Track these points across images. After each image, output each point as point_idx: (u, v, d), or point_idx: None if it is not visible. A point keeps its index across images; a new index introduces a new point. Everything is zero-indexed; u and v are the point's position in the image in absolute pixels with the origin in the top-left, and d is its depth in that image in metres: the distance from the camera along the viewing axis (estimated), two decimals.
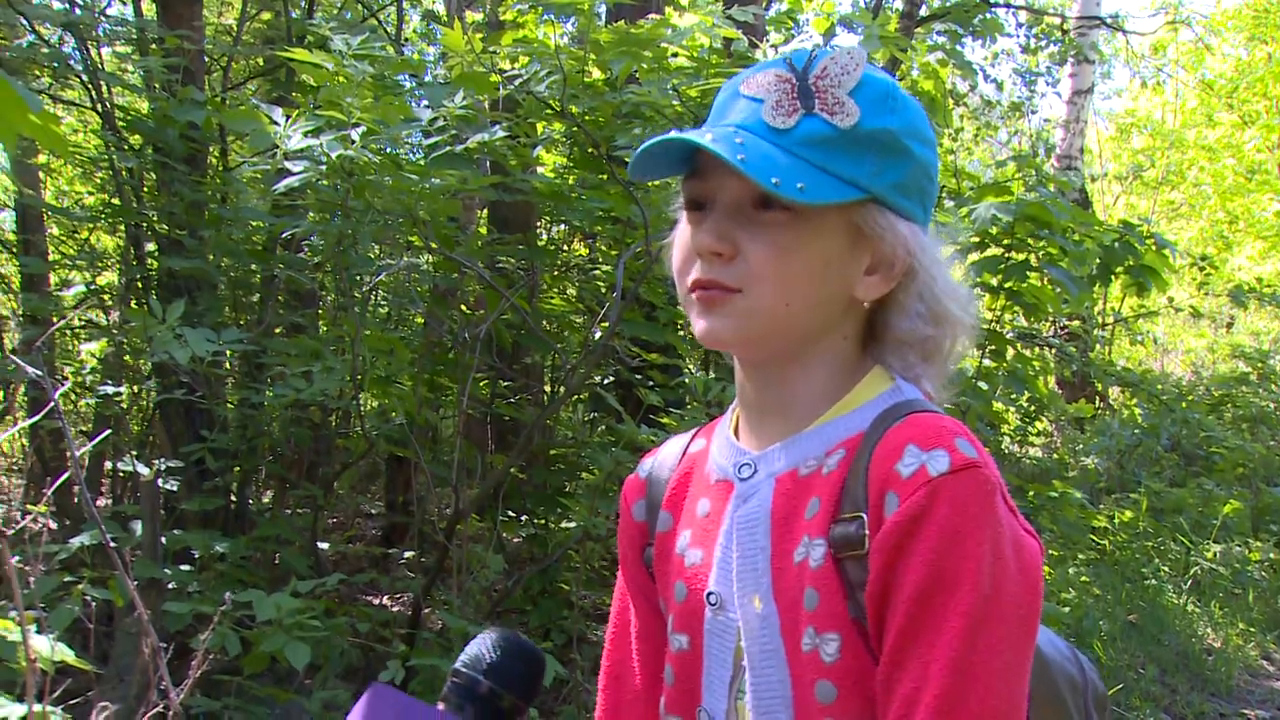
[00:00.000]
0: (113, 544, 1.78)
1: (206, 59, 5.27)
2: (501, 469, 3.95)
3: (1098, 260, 4.78)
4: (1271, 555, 6.71)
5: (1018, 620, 0.97)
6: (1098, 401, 10.13)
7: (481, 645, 1.14)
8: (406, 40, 8.21)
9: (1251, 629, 5.67)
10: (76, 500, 4.52)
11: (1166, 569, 6.25)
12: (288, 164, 3.06)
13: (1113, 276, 4.99)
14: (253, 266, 4.58)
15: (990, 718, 0.95)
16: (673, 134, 1.05)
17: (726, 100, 1.10)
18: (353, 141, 3.05)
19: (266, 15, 6.79)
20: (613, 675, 1.29)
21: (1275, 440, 9.32)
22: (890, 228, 1.06)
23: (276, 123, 3.10)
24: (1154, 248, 4.91)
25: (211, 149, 4.81)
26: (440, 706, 1.16)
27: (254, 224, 4.51)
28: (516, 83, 3.43)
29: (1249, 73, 15.82)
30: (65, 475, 2.13)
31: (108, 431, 4.02)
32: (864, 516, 1.01)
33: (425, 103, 3.62)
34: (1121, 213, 16.04)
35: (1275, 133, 14.94)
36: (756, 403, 1.15)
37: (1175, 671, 4.96)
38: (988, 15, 6.53)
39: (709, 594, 1.14)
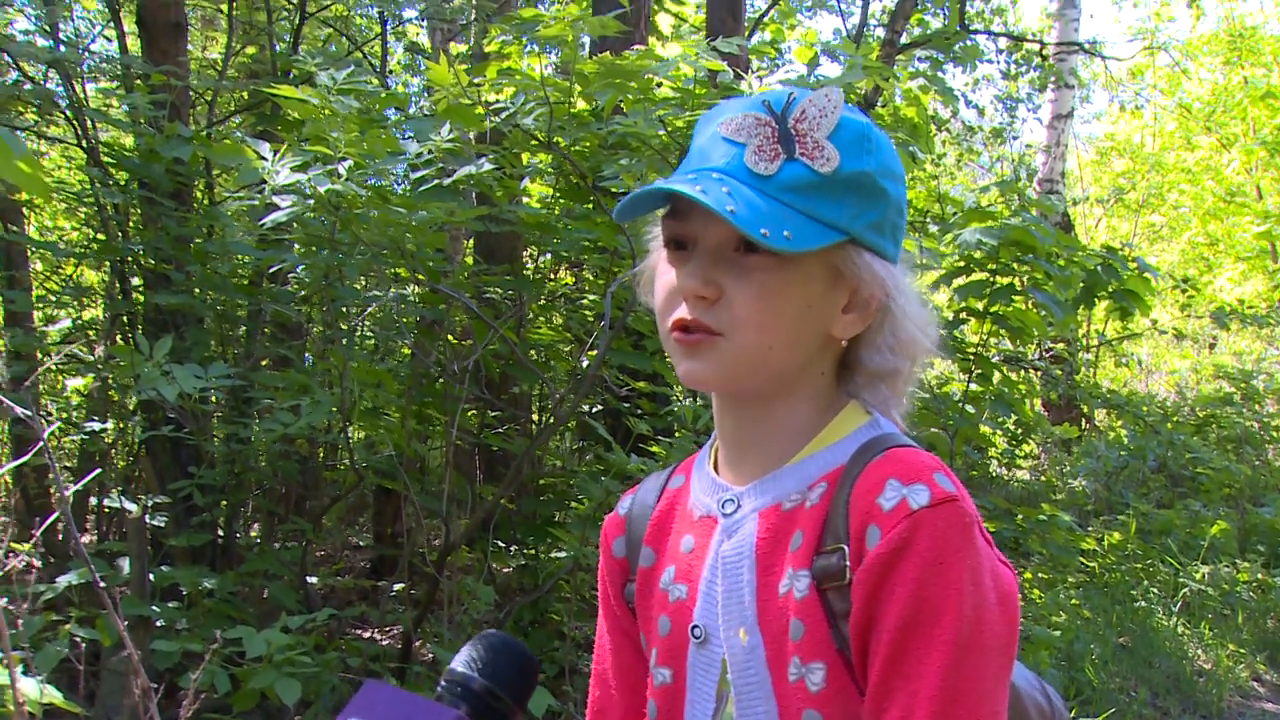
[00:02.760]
0: (102, 583, 1.77)
1: (191, 93, 5.28)
2: (492, 501, 3.94)
3: (1080, 284, 4.83)
4: (1259, 576, 6.72)
5: (997, 649, 1.00)
6: (1083, 424, 10.17)
7: (476, 646, 1.15)
8: (390, 72, 8.25)
9: (1242, 650, 5.67)
10: (61, 538, 4.48)
11: (1156, 591, 6.26)
12: (275, 198, 3.07)
13: (1096, 300, 5.04)
14: (239, 300, 4.58)
15: None
16: (660, 184, 1.07)
17: (708, 142, 1.12)
18: (340, 176, 3.05)
19: (251, 49, 6.82)
20: (596, 714, 1.31)
21: (1260, 460, 9.35)
22: (867, 267, 1.09)
23: (264, 157, 3.10)
24: (1136, 271, 4.96)
25: (197, 183, 4.81)
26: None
27: (240, 258, 4.51)
28: (503, 115, 3.44)
29: (1226, 96, 15.98)
30: (55, 516, 2.11)
31: (97, 470, 4.00)
32: (845, 548, 1.04)
33: (410, 135, 3.64)
34: (1103, 236, 16.17)
35: (1254, 155, 15.08)
36: (736, 439, 1.17)
37: (1167, 694, 4.96)
38: (968, 42, 6.61)
39: (693, 627, 1.16)
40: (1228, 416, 9.54)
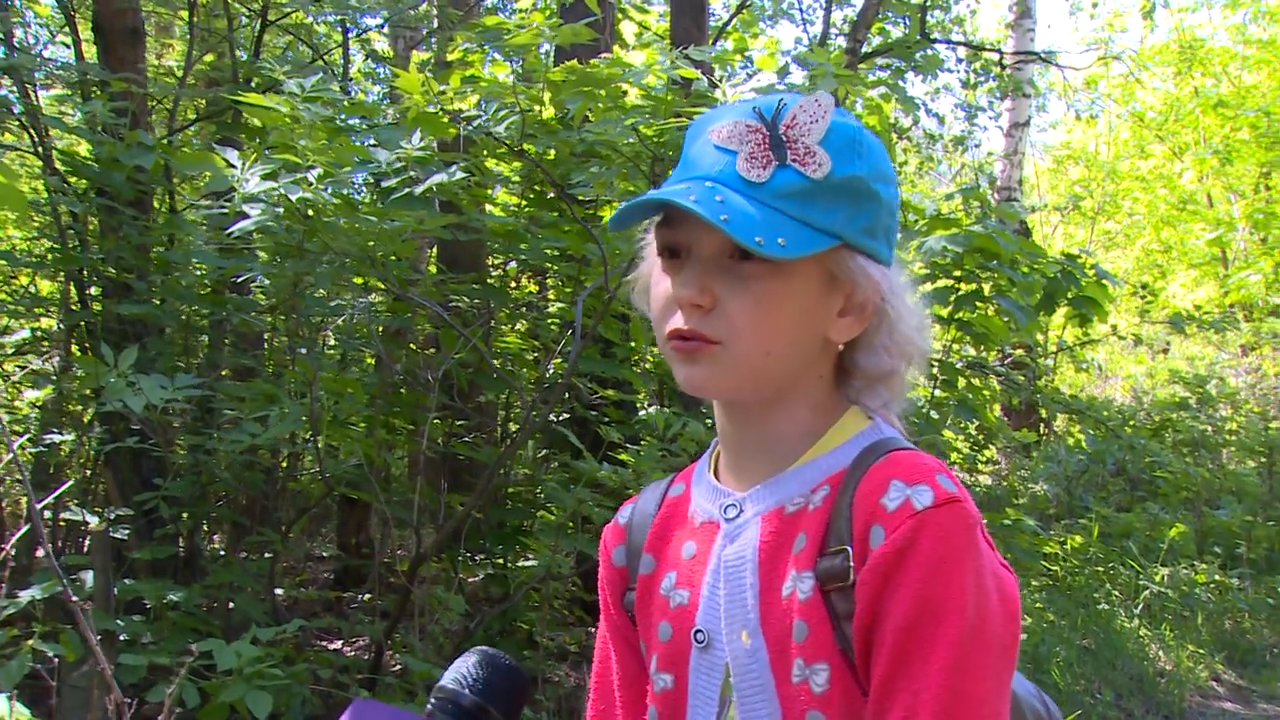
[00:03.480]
0: (74, 597, 1.74)
1: (149, 101, 5.21)
2: (463, 511, 3.91)
3: (1041, 290, 4.87)
4: (1217, 577, 6.82)
5: (1000, 650, 1.01)
6: (1041, 429, 10.27)
7: (466, 662, 1.14)
8: (351, 79, 8.19)
9: (1201, 650, 5.76)
10: (17, 552, 4.39)
11: (1117, 593, 6.34)
12: (245, 206, 3.03)
13: (1056, 306, 5.09)
14: (201, 310, 4.52)
15: None
16: (654, 194, 1.07)
17: (699, 149, 1.12)
18: (310, 183, 3.02)
19: (210, 57, 6.74)
20: None
21: (1215, 464, 9.49)
22: (861, 271, 1.10)
23: (233, 165, 3.07)
24: (1095, 278, 5.01)
25: (156, 191, 4.74)
26: None
27: (202, 267, 4.45)
28: (475, 124, 3.43)
29: (1178, 106, 16.21)
30: (25, 529, 2.07)
31: (69, 484, 3.93)
32: (849, 549, 1.04)
33: (372, 142, 3.61)
34: (1060, 243, 16.35)
35: (1206, 164, 15.31)
36: (738, 444, 1.18)
37: (1130, 695, 5.02)
38: (929, 51, 6.66)
39: (696, 632, 1.15)
40: (1183, 421, 9.66)
